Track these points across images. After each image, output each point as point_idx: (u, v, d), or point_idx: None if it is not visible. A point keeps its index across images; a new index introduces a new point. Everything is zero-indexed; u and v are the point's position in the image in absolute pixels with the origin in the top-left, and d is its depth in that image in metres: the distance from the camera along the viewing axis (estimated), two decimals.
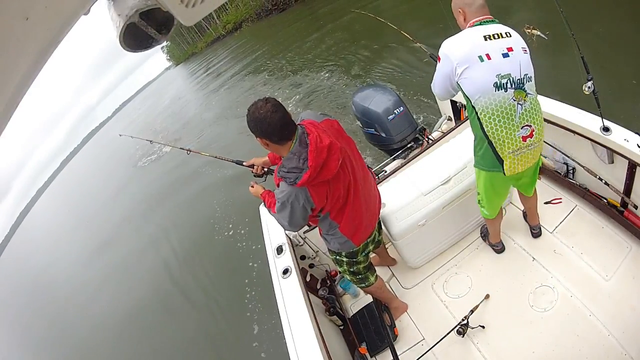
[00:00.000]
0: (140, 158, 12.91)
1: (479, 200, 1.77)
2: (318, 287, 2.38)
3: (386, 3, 9.84)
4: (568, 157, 2.12)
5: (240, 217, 5.29)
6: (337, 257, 1.76)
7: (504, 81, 1.33)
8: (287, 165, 1.31)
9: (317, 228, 1.69)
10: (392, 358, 1.78)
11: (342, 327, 2.19)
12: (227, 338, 3.89)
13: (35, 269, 10.60)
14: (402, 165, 2.45)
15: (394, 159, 3.08)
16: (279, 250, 2.09)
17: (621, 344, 1.55)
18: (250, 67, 13.93)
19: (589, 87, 1.62)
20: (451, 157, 2.07)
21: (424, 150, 2.50)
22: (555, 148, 2.15)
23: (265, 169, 1.84)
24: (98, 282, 6.83)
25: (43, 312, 7.65)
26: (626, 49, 3.84)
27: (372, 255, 2.17)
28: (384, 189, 2.06)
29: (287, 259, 2.02)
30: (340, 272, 1.94)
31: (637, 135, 1.67)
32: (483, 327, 1.80)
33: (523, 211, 2.11)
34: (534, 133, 1.41)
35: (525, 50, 1.38)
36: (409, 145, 3.09)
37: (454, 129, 2.54)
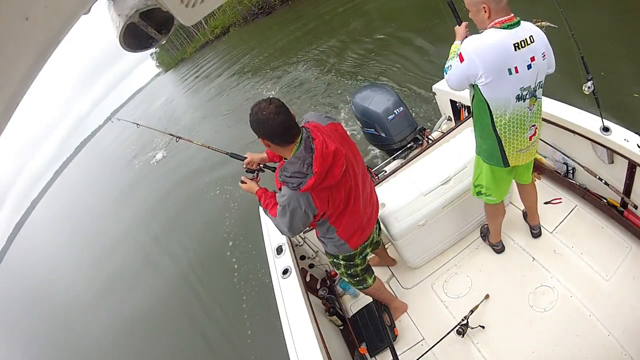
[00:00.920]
0: (134, 159, 12.99)
1: (478, 192, 1.76)
2: (318, 287, 2.38)
3: (372, 2, 10.00)
4: (568, 157, 2.12)
5: (239, 218, 5.29)
6: (334, 260, 1.75)
7: (524, 93, 1.37)
8: (289, 170, 1.28)
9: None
10: (392, 358, 1.78)
11: (342, 327, 2.19)
12: (227, 338, 3.89)
13: (34, 279, 10.48)
14: (402, 165, 2.45)
15: (393, 159, 3.08)
16: (279, 250, 2.09)
17: (621, 344, 1.55)
18: (240, 69, 14.07)
19: (589, 87, 1.62)
20: (451, 157, 2.07)
21: (424, 150, 2.50)
22: (555, 148, 2.15)
23: (261, 165, 1.78)
24: (98, 290, 6.75)
25: (41, 322, 7.58)
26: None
27: (371, 256, 2.17)
28: (384, 189, 2.07)
29: (286, 259, 2.02)
30: (338, 274, 1.93)
31: (637, 135, 1.67)
32: (483, 327, 1.80)
33: (523, 211, 2.11)
34: (537, 131, 1.50)
35: (544, 56, 1.35)
36: (408, 145, 3.10)
37: (453, 129, 2.54)
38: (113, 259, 7.47)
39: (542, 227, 2.03)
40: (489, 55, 1.30)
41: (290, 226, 1.39)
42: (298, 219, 1.36)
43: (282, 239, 2.15)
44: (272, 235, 2.22)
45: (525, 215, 2.10)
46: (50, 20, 0.43)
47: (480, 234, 2.19)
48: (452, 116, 3.03)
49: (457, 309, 1.94)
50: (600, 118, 1.74)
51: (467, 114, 2.75)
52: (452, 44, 1.54)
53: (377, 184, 2.24)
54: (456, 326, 1.78)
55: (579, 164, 2.03)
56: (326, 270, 2.54)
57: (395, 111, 3.01)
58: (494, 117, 1.42)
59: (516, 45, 1.28)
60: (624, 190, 1.84)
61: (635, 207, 1.84)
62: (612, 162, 1.84)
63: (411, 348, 1.94)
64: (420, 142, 3.09)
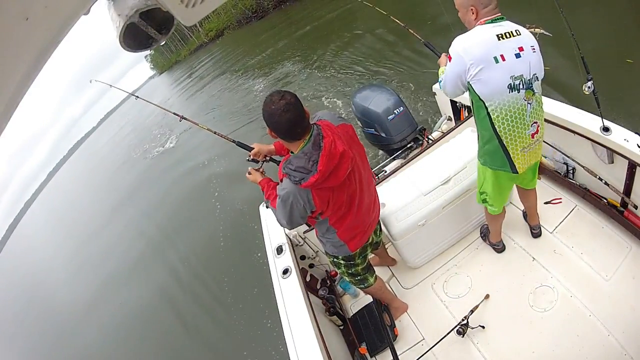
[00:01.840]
0: (129, 159, 13.03)
1: (484, 199, 1.76)
2: (318, 287, 2.38)
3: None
4: (568, 157, 2.12)
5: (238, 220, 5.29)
6: (335, 260, 1.75)
7: (517, 82, 1.35)
8: (294, 163, 1.28)
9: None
10: (392, 358, 1.78)
11: (342, 327, 2.19)
12: (226, 338, 3.89)
13: (28, 280, 10.47)
14: (402, 165, 2.45)
15: (394, 159, 3.08)
16: (279, 250, 2.09)
17: (621, 344, 1.55)
18: (235, 70, 14.26)
19: (589, 87, 1.62)
20: (451, 157, 2.07)
21: (424, 150, 2.50)
22: (555, 148, 2.15)
23: (267, 158, 1.76)
24: (93, 290, 6.73)
25: (36, 322, 7.57)
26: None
27: (371, 256, 2.17)
28: (384, 189, 2.07)
29: (287, 259, 2.02)
30: (339, 273, 1.93)
31: (637, 135, 1.67)
32: (483, 327, 1.80)
33: (523, 211, 2.11)
34: (539, 129, 1.47)
35: (534, 49, 1.38)
36: (408, 145, 3.09)
37: (454, 129, 2.54)
38: (108, 259, 7.45)
39: (542, 227, 2.03)
40: (473, 48, 1.34)
41: (290, 219, 1.39)
42: (297, 213, 1.36)
43: (283, 239, 2.15)
44: (273, 235, 2.22)
45: (525, 215, 2.10)
46: (50, 20, 0.43)
47: (480, 234, 2.19)
48: (452, 116, 3.03)
49: (457, 309, 1.94)
50: (600, 118, 1.74)
51: (467, 114, 2.75)
52: (439, 69, 1.62)
53: (377, 184, 2.24)
54: (456, 326, 1.78)
55: (579, 164, 2.03)
56: (326, 270, 2.54)
57: (395, 111, 3.01)
58: (490, 112, 1.39)
59: (499, 35, 1.32)
60: (624, 190, 1.84)
61: (635, 207, 1.83)
62: (612, 162, 1.83)
63: (411, 348, 1.94)
64: (420, 142, 3.09)
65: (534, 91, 1.39)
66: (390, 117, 3.00)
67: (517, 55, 1.33)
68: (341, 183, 1.33)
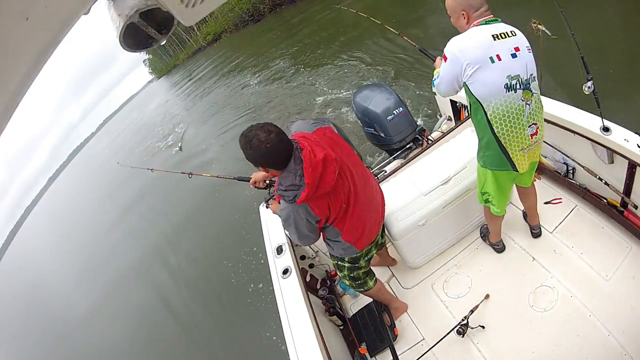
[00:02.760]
0: (129, 164, 13.03)
1: (486, 199, 1.75)
2: (318, 287, 2.38)
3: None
4: (568, 157, 2.12)
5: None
6: (339, 263, 1.75)
7: (513, 82, 1.34)
8: (284, 184, 1.29)
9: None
10: (392, 358, 1.78)
11: (342, 327, 2.19)
12: (226, 338, 3.89)
13: (29, 284, 10.45)
14: (402, 165, 2.45)
15: (394, 159, 3.08)
16: (279, 250, 2.09)
17: (621, 344, 1.55)
18: (233, 72, 14.41)
19: (589, 87, 1.62)
20: (451, 157, 2.07)
21: (424, 150, 2.50)
22: (555, 148, 2.15)
23: (267, 181, 1.85)
24: (94, 295, 6.72)
25: (36, 327, 7.55)
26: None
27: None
28: (384, 189, 2.05)
29: (287, 259, 2.02)
30: (340, 277, 1.92)
31: (637, 135, 1.67)
32: (483, 327, 1.80)
33: (523, 211, 2.11)
34: (538, 130, 1.47)
35: (529, 50, 1.38)
36: (408, 146, 3.09)
37: (453, 129, 2.54)
38: (110, 263, 7.42)
39: (542, 227, 2.03)
40: (469, 48, 1.34)
41: (300, 236, 1.42)
42: (303, 229, 1.38)
43: (282, 239, 2.15)
44: (272, 235, 2.22)
45: (525, 215, 2.10)
46: (50, 20, 0.43)
47: (480, 234, 2.19)
48: (452, 116, 3.03)
49: (457, 309, 1.94)
50: (600, 118, 1.74)
51: (467, 114, 2.75)
52: (434, 71, 1.63)
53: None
54: (456, 326, 1.77)
55: (579, 164, 2.03)
56: (326, 270, 2.54)
57: (395, 111, 3.01)
58: (487, 112, 1.39)
59: (495, 36, 1.33)
60: (624, 190, 1.84)
61: (635, 207, 1.83)
62: (612, 162, 1.83)
63: (411, 348, 1.94)
64: (420, 143, 3.09)
65: (532, 92, 1.38)
66: (390, 117, 3.00)
67: (513, 56, 1.33)
68: (334, 186, 1.33)
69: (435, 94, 3.08)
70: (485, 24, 1.36)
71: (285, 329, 1.68)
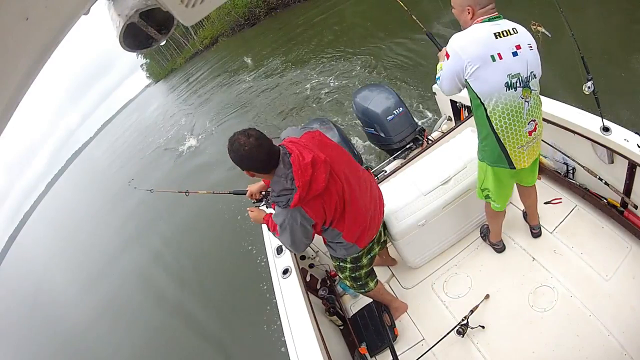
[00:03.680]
0: (128, 168, 13.05)
1: (486, 195, 1.75)
2: (318, 287, 2.38)
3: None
4: (568, 157, 2.12)
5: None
6: (341, 264, 1.75)
7: (514, 80, 1.35)
8: (276, 189, 1.31)
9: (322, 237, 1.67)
10: (392, 358, 1.78)
11: (342, 327, 2.19)
12: (226, 338, 3.89)
13: (29, 289, 10.41)
14: (402, 165, 2.45)
15: (394, 159, 3.08)
16: (279, 250, 2.09)
17: (621, 344, 1.55)
18: (230, 75, 14.52)
19: (589, 87, 1.62)
20: (451, 157, 2.07)
21: (424, 150, 2.50)
22: (555, 148, 2.15)
23: (263, 193, 1.85)
24: (93, 300, 6.70)
25: (38, 333, 7.51)
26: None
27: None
28: (384, 189, 2.05)
29: (287, 259, 2.02)
30: (341, 279, 1.91)
31: (637, 135, 1.67)
32: (483, 327, 1.80)
33: (523, 211, 2.11)
34: (537, 126, 1.48)
35: (531, 47, 1.38)
36: (408, 146, 3.10)
37: (453, 129, 2.54)
38: (111, 267, 7.38)
39: (542, 227, 2.03)
40: (470, 46, 1.35)
41: (293, 242, 1.42)
42: (298, 234, 1.39)
43: None
44: (272, 235, 2.22)
45: (525, 215, 2.10)
46: (50, 20, 0.43)
47: (480, 233, 2.19)
48: (452, 116, 3.03)
49: (457, 309, 1.94)
50: (600, 118, 1.74)
51: (467, 114, 2.75)
52: (437, 64, 1.60)
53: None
54: (456, 326, 1.77)
55: (579, 164, 2.03)
56: (326, 270, 2.53)
57: (395, 111, 3.01)
58: (487, 109, 1.40)
59: (497, 34, 1.33)
60: (624, 190, 1.84)
61: (635, 207, 1.83)
62: (612, 162, 1.83)
63: (411, 348, 1.94)
64: (420, 143, 3.09)
65: (531, 89, 1.39)
66: (390, 117, 3.01)
67: (514, 54, 1.34)
68: (325, 187, 1.34)
69: (435, 93, 3.09)
70: (488, 21, 1.36)
71: (285, 329, 1.68)
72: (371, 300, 2.14)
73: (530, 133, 1.46)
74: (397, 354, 1.80)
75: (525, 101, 1.39)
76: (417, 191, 1.98)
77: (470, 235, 2.22)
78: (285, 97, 8.36)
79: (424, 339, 1.95)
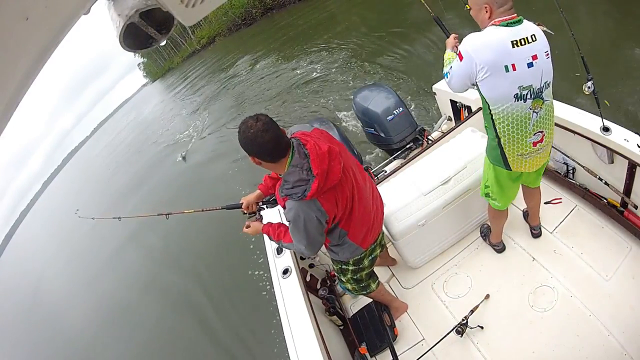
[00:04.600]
0: (125, 166, 13.07)
1: (487, 193, 1.74)
2: (318, 287, 2.38)
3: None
4: (568, 157, 2.12)
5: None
6: (343, 267, 1.74)
7: (524, 92, 1.32)
8: (290, 180, 1.26)
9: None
10: (392, 358, 1.78)
11: (342, 327, 2.19)
12: (226, 338, 3.89)
13: (26, 288, 10.40)
14: (402, 165, 2.45)
15: (394, 159, 3.08)
16: (279, 250, 2.09)
17: (621, 344, 1.55)
18: (229, 75, 14.51)
19: (589, 87, 1.62)
20: (451, 157, 2.07)
21: (424, 150, 2.50)
22: (555, 148, 2.15)
23: (259, 204, 1.76)
24: (89, 300, 6.70)
25: (34, 332, 7.52)
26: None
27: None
28: (384, 189, 2.06)
29: (287, 259, 2.02)
30: (342, 282, 1.88)
31: (637, 135, 1.67)
32: (483, 327, 1.80)
33: (523, 211, 2.11)
34: (544, 138, 1.44)
35: (548, 55, 1.34)
36: (408, 146, 3.10)
37: (453, 129, 2.54)
38: (110, 267, 7.37)
39: (542, 227, 2.03)
40: (484, 52, 1.30)
41: (308, 240, 1.35)
42: (314, 229, 1.33)
43: None
44: (278, 243, 2.21)
45: (525, 215, 2.10)
46: (50, 20, 0.43)
47: (481, 233, 2.19)
48: (452, 116, 3.03)
49: (457, 309, 1.94)
50: (600, 118, 1.74)
51: (467, 114, 2.75)
52: (445, 53, 1.58)
53: (377, 184, 2.24)
54: (456, 326, 1.77)
55: (579, 164, 2.03)
56: (326, 270, 2.53)
57: (395, 111, 3.02)
58: (493, 115, 1.40)
59: (514, 42, 1.27)
60: (624, 190, 1.84)
61: (635, 207, 1.84)
62: (612, 162, 1.83)
63: (411, 348, 1.94)
64: (420, 143, 3.09)
65: (543, 100, 1.35)
66: (390, 117, 3.01)
67: (530, 65, 1.29)
68: (340, 179, 1.33)
69: (435, 93, 3.09)
70: (507, 25, 1.29)
71: (286, 329, 1.69)
72: (371, 300, 2.14)
73: (535, 144, 1.43)
74: (397, 354, 1.80)
75: (534, 112, 1.36)
76: (417, 191, 1.98)
77: (470, 235, 2.22)
78: (284, 96, 8.37)
79: (424, 338, 1.95)
